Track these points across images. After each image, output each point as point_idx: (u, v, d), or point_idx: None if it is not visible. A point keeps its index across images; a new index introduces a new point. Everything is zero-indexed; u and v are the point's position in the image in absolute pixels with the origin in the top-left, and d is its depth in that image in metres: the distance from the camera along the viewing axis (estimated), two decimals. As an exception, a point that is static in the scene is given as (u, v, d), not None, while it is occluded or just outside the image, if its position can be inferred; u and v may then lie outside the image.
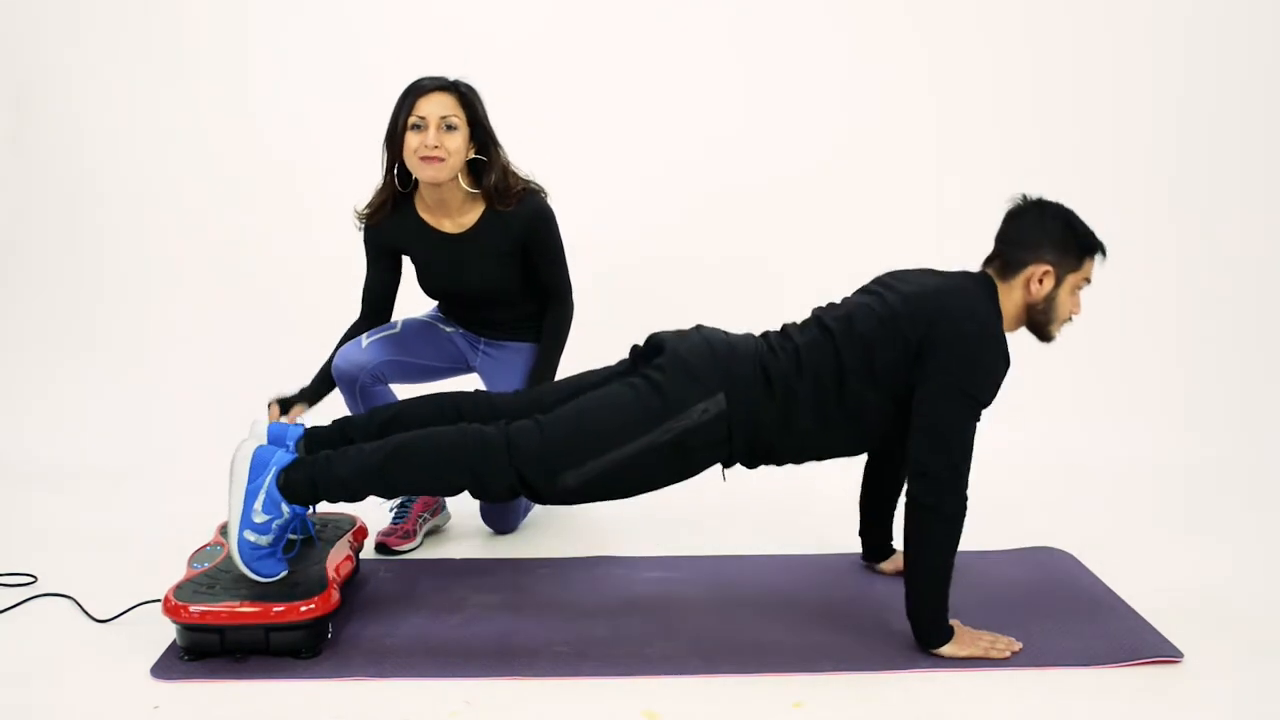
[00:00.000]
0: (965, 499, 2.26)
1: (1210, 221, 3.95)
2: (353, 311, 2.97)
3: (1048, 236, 2.36)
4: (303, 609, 2.24)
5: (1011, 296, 2.38)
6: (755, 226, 3.92)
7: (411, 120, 2.69)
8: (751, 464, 2.39)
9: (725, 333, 2.41)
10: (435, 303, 3.07)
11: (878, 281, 2.48)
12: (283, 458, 2.28)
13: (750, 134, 3.91)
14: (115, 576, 2.67)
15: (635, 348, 2.47)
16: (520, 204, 2.80)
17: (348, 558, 2.54)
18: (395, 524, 2.95)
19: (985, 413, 2.31)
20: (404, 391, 2.94)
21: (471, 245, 2.83)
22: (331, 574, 2.37)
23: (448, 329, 3.00)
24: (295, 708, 2.11)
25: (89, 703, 2.13)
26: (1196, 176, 3.94)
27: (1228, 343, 3.91)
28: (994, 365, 2.31)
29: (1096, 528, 3.07)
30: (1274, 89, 3.91)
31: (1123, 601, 2.55)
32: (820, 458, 2.43)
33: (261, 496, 2.25)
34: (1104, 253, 2.40)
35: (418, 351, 2.92)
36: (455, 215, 2.83)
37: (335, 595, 2.31)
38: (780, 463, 2.41)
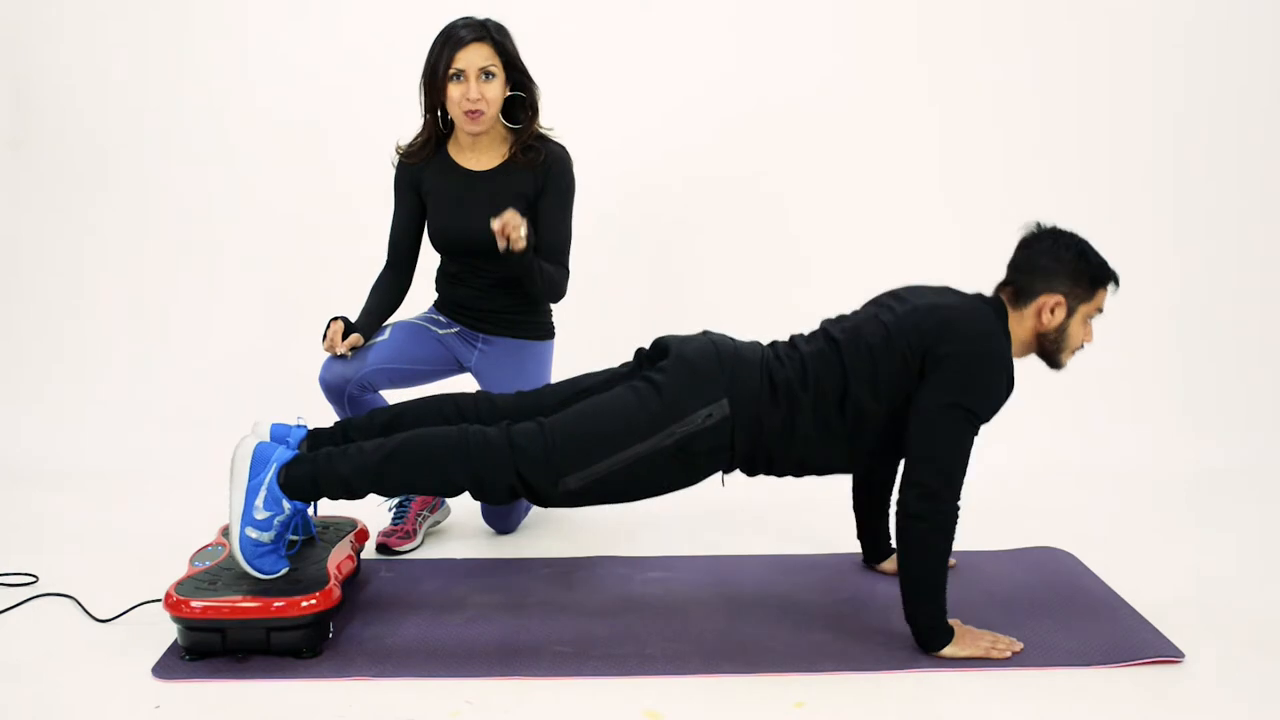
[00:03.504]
0: (956, 509, 2.26)
1: (1211, 223, 3.95)
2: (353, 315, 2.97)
3: (1061, 266, 2.38)
4: (304, 604, 2.24)
5: (1023, 324, 2.39)
6: (751, 155, 3.93)
7: (451, 72, 2.75)
8: (751, 471, 2.40)
9: (732, 339, 2.41)
10: (431, 305, 3.06)
11: (889, 294, 2.48)
12: (283, 454, 2.28)
13: (744, 63, 3.90)
14: (116, 576, 2.67)
15: (640, 350, 2.47)
16: (548, 149, 2.85)
17: (349, 557, 2.54)
18: (395, 524, 2.95)
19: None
20: (396, 398, 2.94)
21: (491, 184, 2.85)
22: (333, 571, 2.37)
23: (441, 331, 2.99)
24: (296, 707, 2.11)
25: (90, 702, 2.14)
26: (1199, 178, 3.94)
27: (1228, 344, 3.91)
28: (997, 387, 2.32)
29: (1096, 528, 3.07)
30: (1274, 93, 3.91)
31: (1123, 601, 2.55)
32: (819, 472, 2.44)
33: (263, 493, 2.26)
34: (1117, 283, 2.41)
35: (407, 356, 2.91)
36: (485, 153, 2.88)
37: (336, 591, 2.31)
38: (780, 474, 2.42)
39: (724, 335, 2.42)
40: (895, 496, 2.33)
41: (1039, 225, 2.45)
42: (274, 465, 2.27)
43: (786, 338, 2.46)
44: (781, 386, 2.31)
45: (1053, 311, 2.37)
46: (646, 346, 2.46)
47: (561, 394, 2.45)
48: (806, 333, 2.46)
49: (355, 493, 2.30)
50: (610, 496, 2.33)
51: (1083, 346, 2.44)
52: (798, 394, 2.31)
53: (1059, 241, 2.41)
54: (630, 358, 2.50)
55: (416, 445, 2.28)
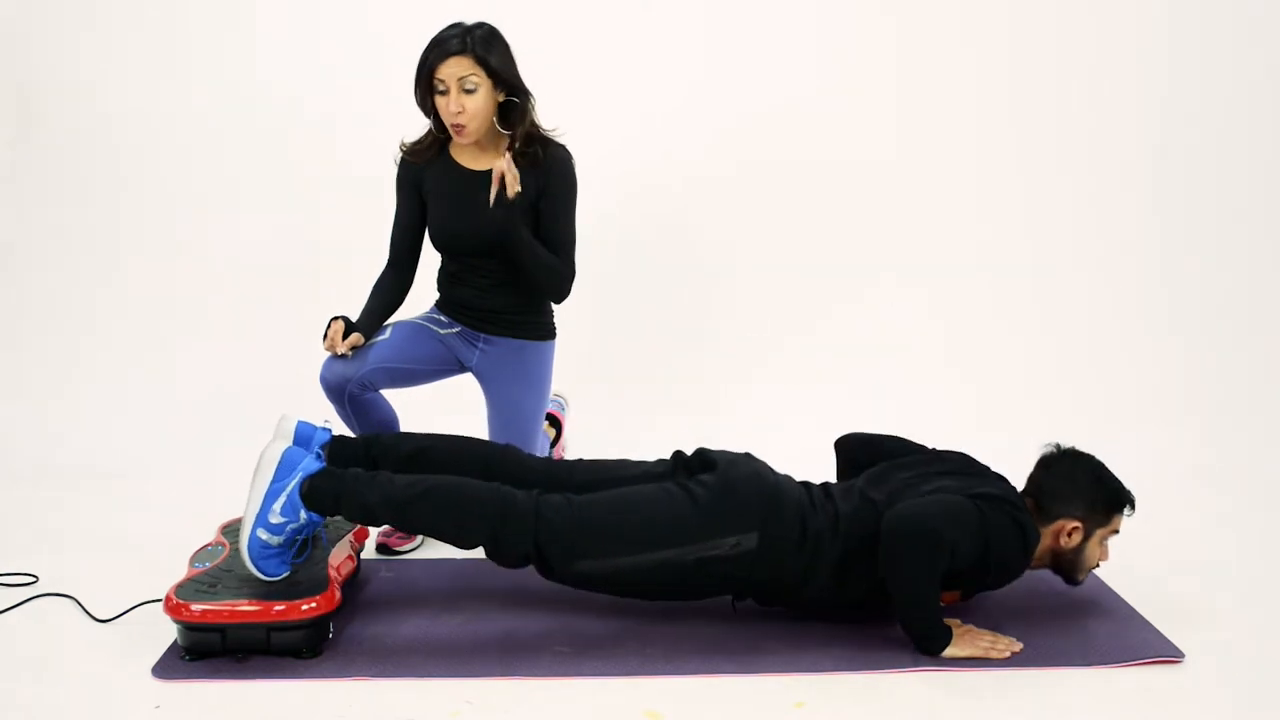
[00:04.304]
0: (939, 541, 2.23)
1: (1210, 220, 3.95)
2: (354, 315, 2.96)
3: (1078, 492, 2.41)
4: (304, 607, 2.24)
5: (1042, 541, 2.42)
6: (748, 159, 3.93)
7: (434, 83, 2.74)
8: (766, 603, 2.43)
9: (773, 470, 2.43)
10: (432, 305, 3.06)
11: (930, 459, 2.51)
12: (310, 464, 2.29)
13: (745, 64, 3.91)
14: (116, 576, 2.67)
15: (679, 454, 2.50)
16: (548, 151, 2.84)
17: (349, 557, 2.54)
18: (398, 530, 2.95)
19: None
20: (396, 397, 2.95)
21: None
22: (333, 573, 2.37)
23: (442, 331, 2.99)
24: (296, 707, 2.11)
25: (90, 702, 2.13)
26: (1196, 177, 3.95)
27: (1228, 344, 3.92)
28: (1012, 538, 2.32)
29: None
30: (1273, 91, 3.91)
31: (1123, 601, 2.55)
32: (831, 612, 2.44)
33: (283, 499, 2.26)
34: (1133, 506, 2.44)
35: (408, 355, 2.91)
36: (486, 153, 2.88)
37: (337, 594, 2.31)
38: (793, 608, 2.43)
39: (766, 464, 2.45)
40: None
41: (1058, 447, 2.49)
42: (300, 474, 2.28)
43: (820, 483, 2.48)
44: (811, 534, 2.33)
45: (1070, 535, 2.41)
46: (686, 451, 2.49)
47: (593, 473, 2.47)
48: (843, 485, 2.48)
49: (373, 520, 2.33)
50: (615, 589, 2.36)
51: (1098, 565, 2.47)
52: (825, 547, 2.33)
53: (1076, 466, 2.45)
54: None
55: (448, 494, 2.30)
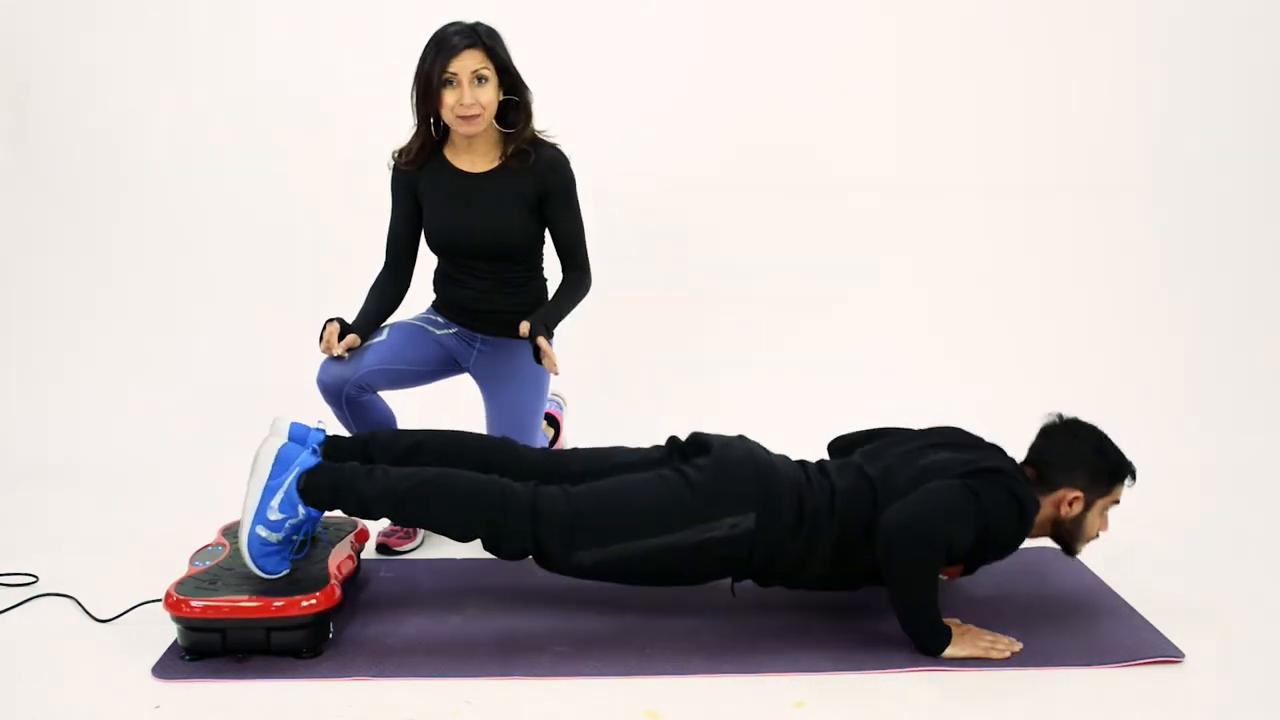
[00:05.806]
0: (939, 552, 2.23)
1: (1211, 219, 3.95)
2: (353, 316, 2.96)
3: (1079, 462, 2.41)
4: (304, 604, 2.24)
5: (1042, 510, 2.42)
6: (755, 155, 3.93)
7: (444, 77, 2.74)
8: (764, 583, 2.42)
9: (767, 451, 2.43)
10: (429, 306, 3.06)
11: (930, 438, 2.49)
12: (306, 460, 2.30)
13: (746, 65, 3.91)
14: (116, 576, 2.67)
15: (673, 439, 2.49)
16: (541, 152, 2.85)
17: (349, 557, 2.54)
18: (395, 524, 2.95)
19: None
20: (394, 398, 2.95)
21: (488, 185, 2.86)
22: (333, 571, 2.37)
23: (439, 331, 2.99)
24: (296, 708, 2.11)
25: (90, 703, 2.14)
26: (1196, 173, 3.95)
27: (1229, 342, 3.92)
28: (1012, 516, 2.31)
29: (1096, 528, 3.07)
30: (1275, 92, 3.92)
31: (1123, 601, 2.55)
32: (831, 589, 2.45)
33: (280, 495, 2.27)
34: (1134, 477, 2.43)
35: (405, 356, 2.90)
36: (481, 156, 2.88)
37: (337, 591, 2.31)
38: (793, 587, 2.43)
39: (760, 445, 2.45)
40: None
41: (1059, 416, 2.49)
42: (296, 469, 2.28)
43: (815, 461, 2.48)
44: (808, 514, 2.32)
45: (1071, 505, 2.41)
46: (681, 437, 2.48)
47: (588, 462, 2.46)
48: (839, 461, 2.47)
49: (370, 513, 2.33)
50: (616, 577, 2.35)
51: (1098, 536, 2.47)
52: (822, 524, 2.33)
53: (1077, 436, 2.45)
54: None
55: (444, 486, 2.30)
